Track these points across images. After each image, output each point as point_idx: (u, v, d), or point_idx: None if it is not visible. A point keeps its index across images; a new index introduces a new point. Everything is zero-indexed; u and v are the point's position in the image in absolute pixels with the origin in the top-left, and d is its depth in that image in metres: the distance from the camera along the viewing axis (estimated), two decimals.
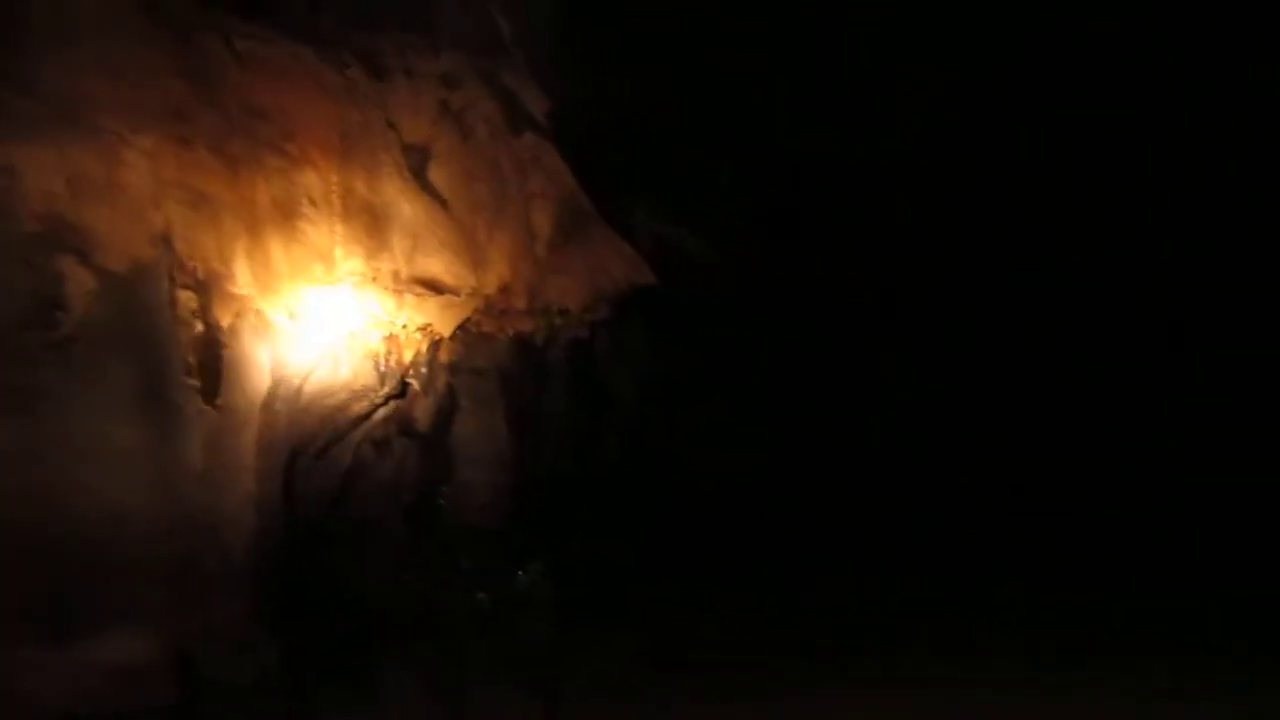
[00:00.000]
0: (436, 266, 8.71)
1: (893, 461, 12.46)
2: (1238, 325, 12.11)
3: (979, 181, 12.61)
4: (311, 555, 9.75)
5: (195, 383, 7.23)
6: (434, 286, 8.74)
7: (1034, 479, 11.88)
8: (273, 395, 8.05)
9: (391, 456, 10.74)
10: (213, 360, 7.43)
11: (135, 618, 6.69)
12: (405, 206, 8.50)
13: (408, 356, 9.81)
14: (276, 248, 7.90)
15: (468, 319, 9.55)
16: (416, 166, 8.80)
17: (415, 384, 10.41)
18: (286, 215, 8.00)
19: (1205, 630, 8.51)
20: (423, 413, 10.60)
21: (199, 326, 7.30)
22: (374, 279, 8.32)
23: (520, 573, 10.37)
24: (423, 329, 9.53)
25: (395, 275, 8.44)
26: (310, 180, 8.14)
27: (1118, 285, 12.55)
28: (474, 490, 10.31)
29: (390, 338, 9.46)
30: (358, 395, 9.26)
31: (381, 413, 10.01)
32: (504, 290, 9.33)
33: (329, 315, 8.45)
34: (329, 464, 9.92)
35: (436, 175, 8.97)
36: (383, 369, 9.48)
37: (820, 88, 12.23)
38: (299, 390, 8.48)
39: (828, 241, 12.61)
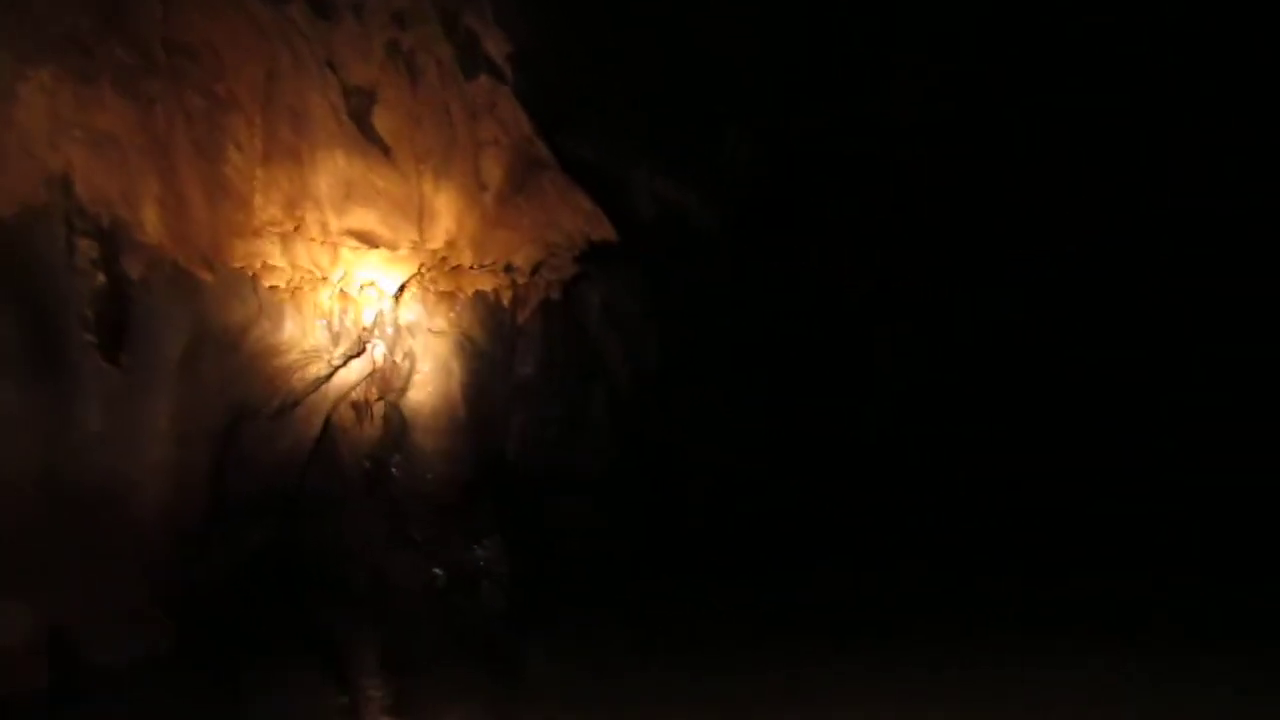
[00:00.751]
0: (371, 218, 8.07)
1: (889, 455, 12.24)
2: (1237, 319, 11.95)
3: (975, 172, 12.44)
4: (273, 524, 9.37)
5: (93, 338, 6.63)
6: (369, 239, 8.11)
7: (1032, 473, 11.66)
8: (195, 354, 7.48)
9: (372, 421, 10.32)
10: (117, 315, 6.83)
11: (14, 595, 6.16)
12: (338, 152, 7.87)
13: (366, 315, 9.33)
14: (196, 195, 7.31)
15: (418, 275, 8.97)
16: (358, 110, 8.18)
17: (382, 344, 9.97)
18: (209, 161, 7.41)
19: (1205, 628, 8.11)
20: (397, 376, 10.19)
21: (100, 278, 6.70)
22: (297, 229, 7.70)
23: (477, 548, 9.97)
24: (374, 285, 9.00)
25: (323, 226, 7.81)
26: (237, 124, 7.55)
27: (1115, 277, 12.43)
28: (429, 460, 9.76)
29: (343, 295, 8.96)
30: (310, 356, 8.77)
31: (355, 374, 9.57)
32: (451, 244, 8.70)
33: (260, 269, 7.89)
34: (294, 428, 9.49)
35: (379, 120, 8.34)
36: (336, 328, 8.99)
37: (814, 76, 11.92)
38: (232, 349, 7.95)
39: (822, 231, 12.39)
